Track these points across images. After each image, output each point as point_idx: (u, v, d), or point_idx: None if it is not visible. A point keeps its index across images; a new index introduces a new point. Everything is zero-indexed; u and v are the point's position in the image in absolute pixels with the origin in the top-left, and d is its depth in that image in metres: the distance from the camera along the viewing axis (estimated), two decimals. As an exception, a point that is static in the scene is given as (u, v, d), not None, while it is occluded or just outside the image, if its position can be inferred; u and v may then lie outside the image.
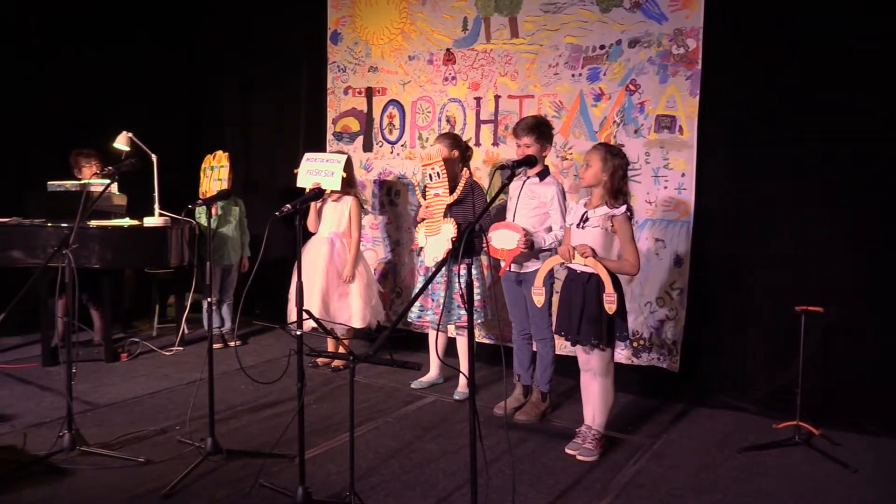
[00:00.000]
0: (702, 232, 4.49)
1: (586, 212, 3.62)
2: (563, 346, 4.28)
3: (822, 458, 3.69)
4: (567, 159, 4.88)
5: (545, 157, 4.18)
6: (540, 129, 4.08)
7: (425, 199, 4.56)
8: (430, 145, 4.78)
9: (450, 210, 4.44)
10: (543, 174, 4.15)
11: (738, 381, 4.45)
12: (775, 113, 4.24)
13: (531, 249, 4.00)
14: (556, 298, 4.28)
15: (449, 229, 4.37)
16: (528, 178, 4.15)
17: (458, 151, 4.53)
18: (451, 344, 4.83)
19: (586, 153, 3.66)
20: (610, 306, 3.46)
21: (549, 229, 4.11)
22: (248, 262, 5.87)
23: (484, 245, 4.14)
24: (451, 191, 4.44)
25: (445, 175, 4.42)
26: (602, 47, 4.75)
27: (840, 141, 4.07)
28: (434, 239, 4.45)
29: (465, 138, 5.23)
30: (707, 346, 4.53)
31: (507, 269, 4.13)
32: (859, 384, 4.08)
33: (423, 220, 4.55)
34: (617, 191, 3.52)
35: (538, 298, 3.83)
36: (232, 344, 5.71)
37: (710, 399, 4.47)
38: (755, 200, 4.34)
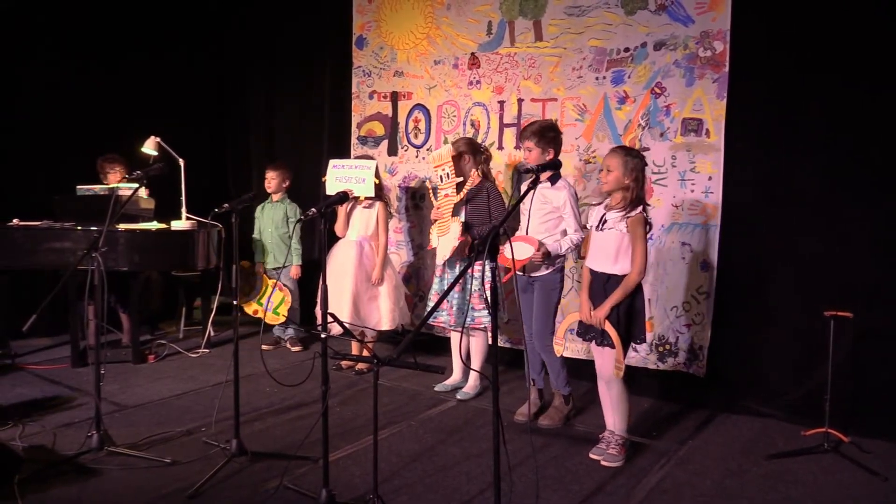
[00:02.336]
0: (729, 235, 4.44)
1: (605, 214, 3.63)
2: (575, 350, 4.25)
3: (852, 465, 3.63)
4: (590, 162, 4.85)
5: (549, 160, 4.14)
6: (542, 134, 4.07)
7: (437, 201, 4.63)
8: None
9: (461, 209, 4.47)
10: (554, 178, 4.11)
11: (766, 387, 4.39)
12: (804, 115, 4.19)
13: (544, 260, 4.01)
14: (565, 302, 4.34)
15: (455, 228, 4.40)
16: (540, 182, 4.13)
17: (470, 153, 4.55)
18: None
19: (605, 157, 3.65)
20: (618, 372, 3.54)
21: (565, 233, 4.09)
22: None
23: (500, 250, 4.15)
24: (459, 191, 4.48)
25: (454, 176, 4.47)
26: (626, 50, 4.73)
27: (869, 142, 4.01)
28: (444, 239, 4.49)
29: (488, 142, 5.25)
30: (733, 351, 4.47)
31: (513, 274, 4.13)
32: (890, 391, 4.00)
33: (436, 220, 4.61)
34: (639, 197, 3.54)
35: (558, 349, 3.84)
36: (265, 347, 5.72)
37: (737, 405, 4.41)
38: (783, 204, 4.29)
